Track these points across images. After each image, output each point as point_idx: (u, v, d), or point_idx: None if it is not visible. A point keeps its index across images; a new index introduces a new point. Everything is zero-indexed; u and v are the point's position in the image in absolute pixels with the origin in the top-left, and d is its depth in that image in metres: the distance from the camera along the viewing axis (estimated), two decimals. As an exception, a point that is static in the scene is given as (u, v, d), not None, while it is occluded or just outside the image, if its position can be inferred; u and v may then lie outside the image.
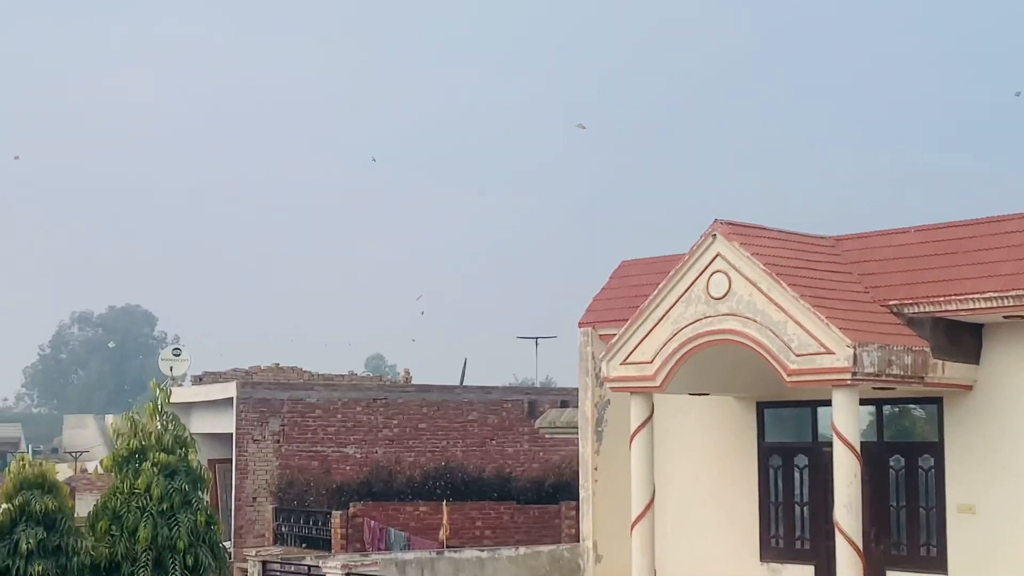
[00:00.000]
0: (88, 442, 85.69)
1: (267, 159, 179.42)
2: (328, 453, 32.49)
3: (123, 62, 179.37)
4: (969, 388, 18.14)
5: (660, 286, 18.57)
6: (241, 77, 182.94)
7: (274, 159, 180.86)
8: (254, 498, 32.29)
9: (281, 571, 22.51)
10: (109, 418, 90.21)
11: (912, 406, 19.21)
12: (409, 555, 22.43)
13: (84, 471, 58.05)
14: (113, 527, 19.69)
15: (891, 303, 18.09)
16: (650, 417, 19.05)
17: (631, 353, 18.87)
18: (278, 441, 32.29)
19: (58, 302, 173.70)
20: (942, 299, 17.71)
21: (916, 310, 17.92)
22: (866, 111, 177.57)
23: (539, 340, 50.00)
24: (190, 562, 19.43)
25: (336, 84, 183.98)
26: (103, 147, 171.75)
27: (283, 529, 30.25)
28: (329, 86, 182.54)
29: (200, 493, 20.28)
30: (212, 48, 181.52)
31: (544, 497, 30.36)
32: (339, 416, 32.82)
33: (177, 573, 19.18)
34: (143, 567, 19.11)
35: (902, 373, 17.16)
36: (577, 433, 23.03)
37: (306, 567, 21.93)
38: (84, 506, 31.54)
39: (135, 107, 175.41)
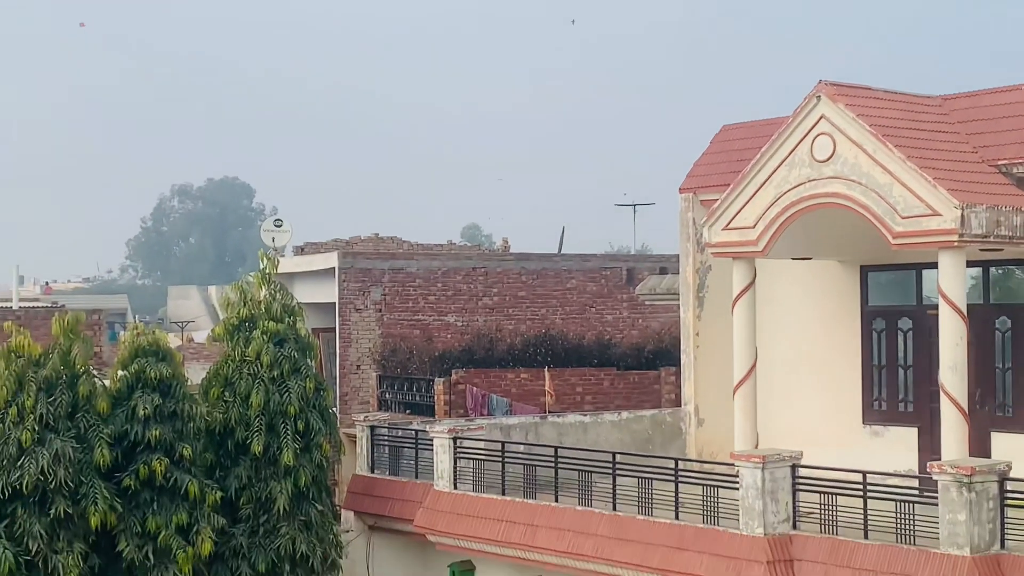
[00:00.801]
0: (192, 312, 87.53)
1: (362, 20, 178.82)
2: (429, 322, 32.87)
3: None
4: (1079, 249, 17.85)
5: (763, 150, 18.39)
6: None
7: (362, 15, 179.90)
8: (358, 366, 32.86)
9: (389, 435, 23.00)
10: (212, 289, 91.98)
11: (1020, 267, 18.94)
12: (513, 420, 22.80)
13: (191, 340, 59.46)
14: (226, 393, 20.18)
15: (1000, 163, 17.78)
16: (752, 282, 19.03)
17: (733, 218, 18.79)
18: (380, 310, 32.71)
19: (158, 175, 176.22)
20: (1053, 158, 17.37)
21: (1026, 170, 17.60)
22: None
23: (637, 207, 49.75)
24: (301, 427, 19.89)
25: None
26: (201, 19, 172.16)
27: (387, 396, 30.79)
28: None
29: (308, 360, 20.69)
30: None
31: (643, 363, 30.51)
32: (439, 285, 33.11)
33: (288, 437, 19.65)
34: (256, 432, 19.60)
35: (1010, 234, 16.92)
36: (677, 299, 23.10)
37: (413, 431, 22.40)
38: (192, 375, 32.30)
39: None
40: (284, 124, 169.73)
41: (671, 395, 28.68)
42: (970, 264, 17.43)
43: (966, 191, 16.75)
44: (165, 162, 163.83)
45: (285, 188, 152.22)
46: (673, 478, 17.38)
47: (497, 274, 33.65)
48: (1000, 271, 19.16)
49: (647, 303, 30.06)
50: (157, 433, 18.82)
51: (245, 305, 20.75)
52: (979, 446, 18.08)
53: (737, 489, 16.26)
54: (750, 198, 18.57)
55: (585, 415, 23.06)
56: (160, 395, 19.20)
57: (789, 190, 18.09)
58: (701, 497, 16.85)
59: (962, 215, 16.33)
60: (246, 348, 20.20)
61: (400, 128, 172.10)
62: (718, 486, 16.75)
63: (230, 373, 20.27)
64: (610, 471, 18.29)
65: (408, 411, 29.50)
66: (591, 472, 18.54)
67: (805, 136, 17.90)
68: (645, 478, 17.70)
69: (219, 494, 19.27)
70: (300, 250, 38.50)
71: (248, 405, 19.77)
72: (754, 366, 18.98)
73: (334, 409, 24.13)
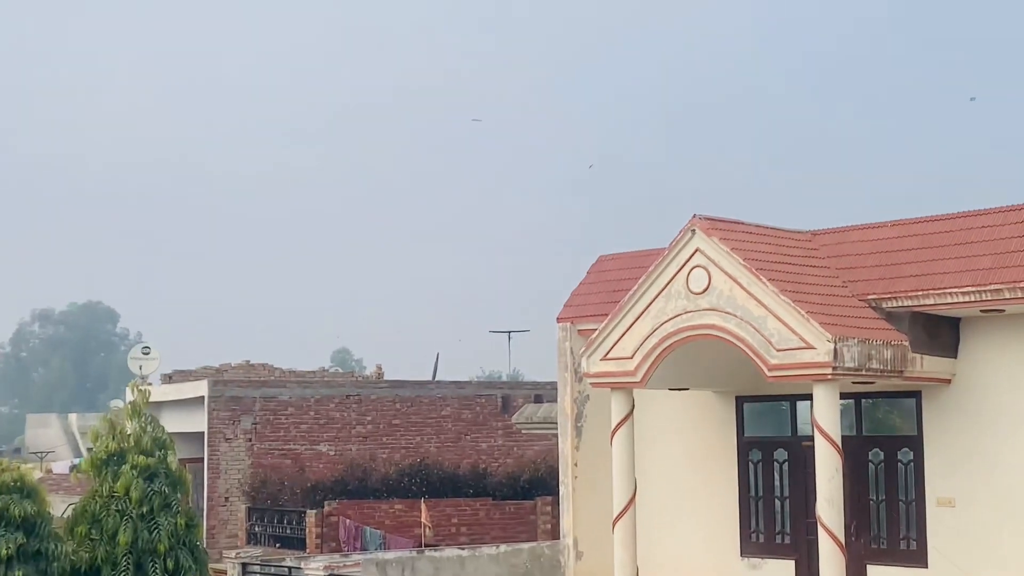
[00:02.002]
0: (51, 442, 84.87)
1: (225, 145, 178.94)
2: (301, 451, 32.37)
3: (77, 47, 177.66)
4: (948, 381, 18.27)
5: (640, 281, 18.58)
6: (198, 61, 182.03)
7: (232, 144, 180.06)
8: (226, 498, 32.15)
9: (261, 572, 22.40)
10: (72, 416, 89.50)
11: (891, 400, 19.31)
12: (390, 555, 22.36)
13: (50, 472, 57.57)
14: (92, 531, 19.47)
15: (870, 297, 18.19)
16: (631, 412, 19.07)
17: (611, 348, 18.87)
18: (250, 440, 32.15)
19: (18, 300, 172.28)
20: (920, 293, 17.81)
21: (895, 304, 18.02)
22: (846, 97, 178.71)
23: (511, 334, 50.01)
24: (171, 565, 19.26)
25: (295, 60, 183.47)
26: (58, 137, 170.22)
27: (256, 529, 30.14)
28: (285, 62, 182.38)
29: (179, 495, 20.12)
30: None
31: (519, 492, 30.41)
32: (312, 413, 32.71)
33: (157, 576, 19.02)
34: (124, 571, 18.91)
35: (882, 367, 17.25)
36: (554, 428, 23.06)
37: (287, 568, 21.84)
38: (52, 507, 31.20)
39: (89, 92, 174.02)
40: (151, 248, 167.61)
41: (547, 525, 28.54)
42: (843, 396, 17.70)
43: (839, 324, 17.08)
44: (25, 286, 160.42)
45: (151, 313, 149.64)
46: (554, 614, 17.16)
47: (371, 401, 33.40)
48: (871, 402, 19.51)
49: (523, 431, 30.02)
50: (20, 574, 18.08)
51: (114, 439, 20.16)
52: (855, 577, 18.22)
53: (619, 625, 16.09)
54: (628, 329, 18.70)
55: (463, 548, 22.76)
56: (24, 534, 18.48)
57: (666, 321, 18.26)
58: (583, 633, 16.63)
59: (835, 348, 16.61)
60: (114, 483, 19.58)
61: (264, 252, 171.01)
62: (600, 622, 16.56)
63: (97, 509, 19.60)
64: (490, 607, 18.01)
65: (278, 544, 28.88)
66: (471, 608, 18.24)
67: (681, 268, 18.14)
68: (526, 614, 17.45)
69: (84, 637, 18.49)
70: (168, 378, 37.78)
71: (116, 543, 19.11)
72: (633, 497, 18.94)
73: (202, 543, 23.45)
